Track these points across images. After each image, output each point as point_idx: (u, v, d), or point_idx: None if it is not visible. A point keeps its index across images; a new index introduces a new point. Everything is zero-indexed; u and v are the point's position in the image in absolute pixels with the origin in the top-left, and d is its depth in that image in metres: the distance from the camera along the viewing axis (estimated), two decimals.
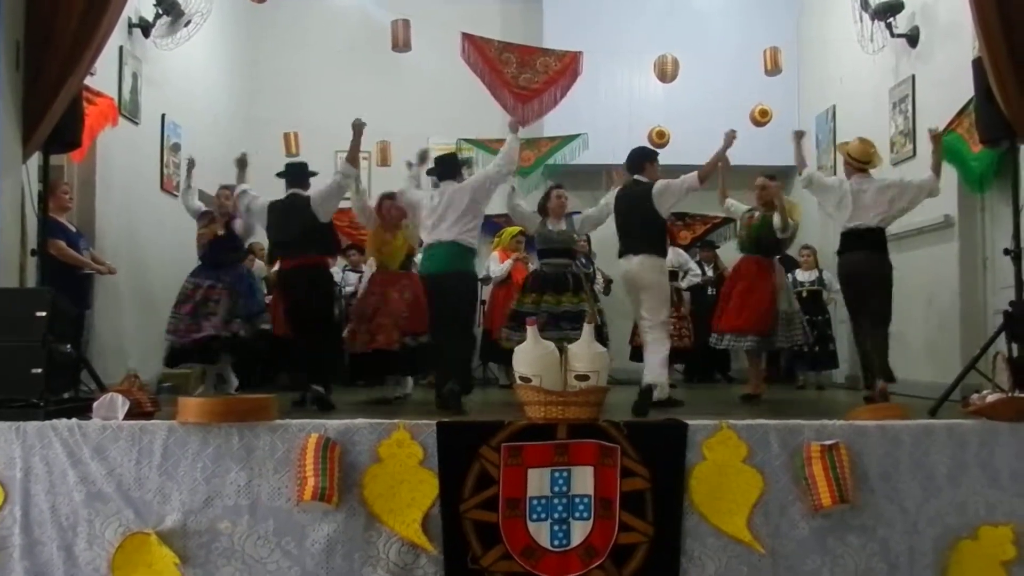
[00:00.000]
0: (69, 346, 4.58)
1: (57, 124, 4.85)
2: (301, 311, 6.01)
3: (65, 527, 3.73)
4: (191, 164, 7.18)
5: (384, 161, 9.70)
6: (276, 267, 7.02)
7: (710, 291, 9.32)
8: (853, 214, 6.13)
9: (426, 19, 8.62)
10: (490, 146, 9.86)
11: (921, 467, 3.87)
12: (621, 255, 6.13)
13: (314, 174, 6.44)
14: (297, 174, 6.31)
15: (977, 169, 6.35)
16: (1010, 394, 4.26)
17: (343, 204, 10.25)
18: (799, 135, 6.84)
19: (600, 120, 9.79)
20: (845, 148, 6.46)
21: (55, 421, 3.81)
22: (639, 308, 6.10)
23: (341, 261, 9.81)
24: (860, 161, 6.26)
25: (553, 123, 9.69)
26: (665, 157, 9.16)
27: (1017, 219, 5.00)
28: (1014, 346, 4.71)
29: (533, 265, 8.90)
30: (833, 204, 6.30)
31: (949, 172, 6.76)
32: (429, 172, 6.45)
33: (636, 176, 6.24)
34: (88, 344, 6.19)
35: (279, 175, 6.40)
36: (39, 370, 4.01)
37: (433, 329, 6.04)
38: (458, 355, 5.89)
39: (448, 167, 6.16)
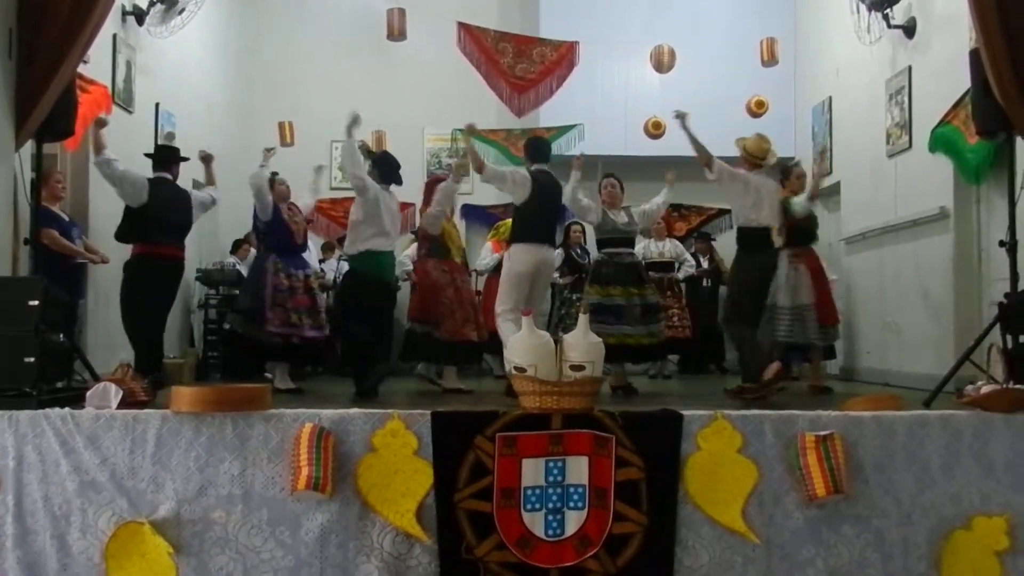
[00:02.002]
0: (62, 335, 4.57)
1: (50, 112, 4.82)
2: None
3: (58, 516, 3.71)
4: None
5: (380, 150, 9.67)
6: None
7: (705, 282, 9.32)
8: (767, 213, 6.25)
9: (422, 8, 8.60)
10: (486, 136, 9.86)
11: (915, 458, 3.87)
12: (534, 242, 6.08)
13: (185, 159, 6.58)
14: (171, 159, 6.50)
15: (973, 161, 6.33)
16: (1004, 385, 4.26)
17: (335, 195, 10.28)
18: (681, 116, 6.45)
19: (597, 111, 9.80)
20: (742, 143, 6.45)
21: (48, 410, 3.79)
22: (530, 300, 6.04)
23: (336, 251, 9.82)
24: (756, 157, 6.31)
25: (549, 113, 9.70)
26: (661, 148, 9.24)
27: (1012, 211, 5.00)
28: (1008, 338, 4.71)
29: None
30: (746, 199, 6.27)
31: (945, 163, 6.76)
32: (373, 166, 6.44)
33: (542, 165, 6.26)
34: (81, 333, 6.17)
35: (148, 155, 6.55)
36: (32, 359, 4.00)
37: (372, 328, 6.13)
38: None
39: (392, 170, 6.34)
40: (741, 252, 6.37)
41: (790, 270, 6.54)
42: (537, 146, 6.46)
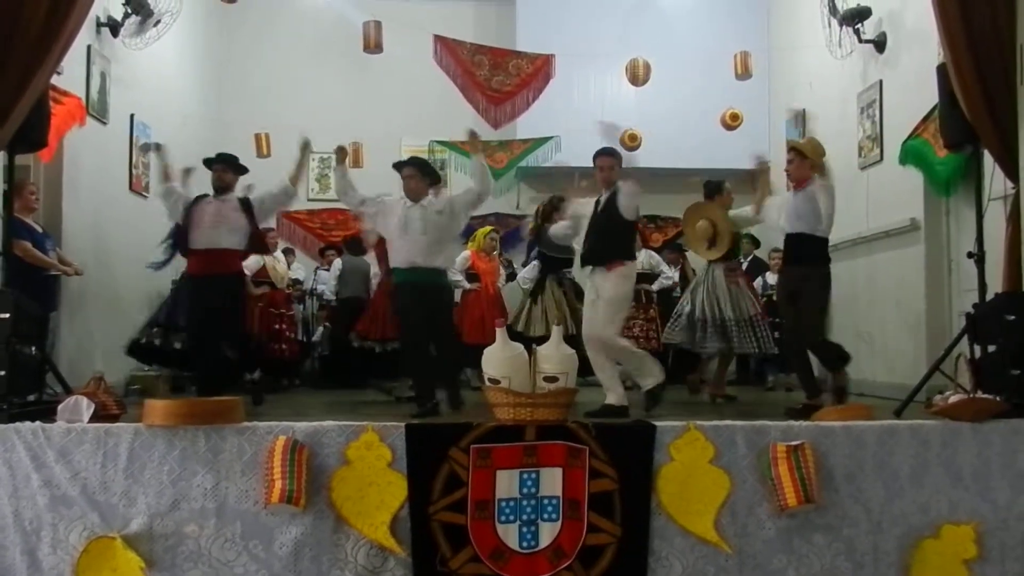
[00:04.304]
0: (34, 348, 4.54)
1: (23, 123, 4.77)
2: None
3: (28, 531, 3.68)
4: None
5: (356, 162, 9.65)
6: None
7: (676, 293, 9.33)
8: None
9: (398, 21, 8.61)
10: (463, 148, 9.88)
11: (885, 467, 3.92)
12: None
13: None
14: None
15: (942, 173, 6.42)
16: (972, 395, 4.32)
17: (312, 206, 10.24)
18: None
19: (572, 122, 9.81)
20: (805, 145, 6.01)
21: (18, 424, 3.76)
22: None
23: (311, 263, 9.83)
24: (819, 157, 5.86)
25: (526, 125, 9.74)
26: (637, 160, 9.30)
27: (980, 223, 5.07)
28: (976, 348, 4.78)
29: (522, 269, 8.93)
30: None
31: (915, 176, 6.85)
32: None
33: None
34: (54, 346, 6.12)
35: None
36: (2, 372, 3.98)
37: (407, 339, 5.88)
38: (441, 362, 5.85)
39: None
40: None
41: (730, 284, 6.79)
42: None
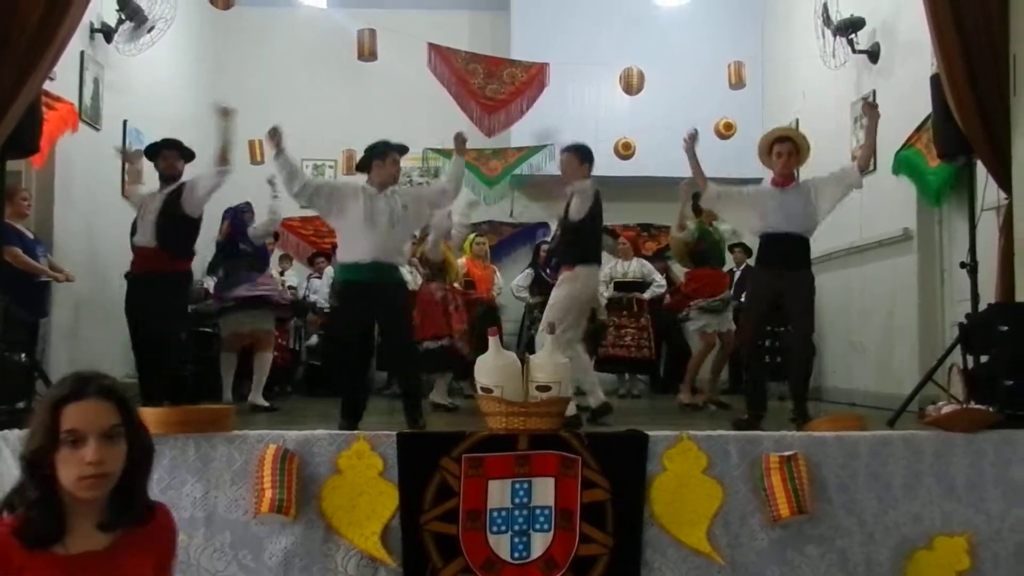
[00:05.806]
0: (23, 355, 4.51)
1: (15, 129, 4.76)
2: None
3: None
4: None
5: (350, 171, 9.65)
6: None
7: (665, 299, 9.35)
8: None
9: (393, 29, 8.61)
10: None
11: (878, 478, 3.91)
12: (598, 263, 5.73)
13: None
14: None
15: (935, 183, 6.44)
16: (965, 405, 4.32)
17: (306, 213, 10.20)
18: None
19: (567, 131, 9.83)
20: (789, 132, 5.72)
21: (6, 431, 3.73)
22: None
23: (305, 270, 9.80)
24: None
25: (520, 133, 9.76)
26: (630, 169, 9.33)
27: (973, 233, 5.09)
28: (969, 358, 4.78)
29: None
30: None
31: (908, 186, 6.87)
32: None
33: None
34: (44, 353, 6.08)
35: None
36: None
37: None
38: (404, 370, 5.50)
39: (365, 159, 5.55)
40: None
41: None
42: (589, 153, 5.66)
